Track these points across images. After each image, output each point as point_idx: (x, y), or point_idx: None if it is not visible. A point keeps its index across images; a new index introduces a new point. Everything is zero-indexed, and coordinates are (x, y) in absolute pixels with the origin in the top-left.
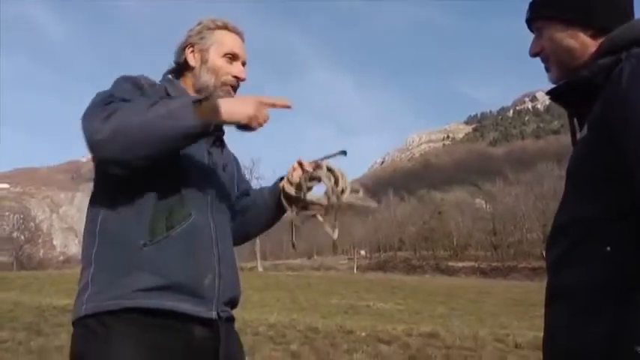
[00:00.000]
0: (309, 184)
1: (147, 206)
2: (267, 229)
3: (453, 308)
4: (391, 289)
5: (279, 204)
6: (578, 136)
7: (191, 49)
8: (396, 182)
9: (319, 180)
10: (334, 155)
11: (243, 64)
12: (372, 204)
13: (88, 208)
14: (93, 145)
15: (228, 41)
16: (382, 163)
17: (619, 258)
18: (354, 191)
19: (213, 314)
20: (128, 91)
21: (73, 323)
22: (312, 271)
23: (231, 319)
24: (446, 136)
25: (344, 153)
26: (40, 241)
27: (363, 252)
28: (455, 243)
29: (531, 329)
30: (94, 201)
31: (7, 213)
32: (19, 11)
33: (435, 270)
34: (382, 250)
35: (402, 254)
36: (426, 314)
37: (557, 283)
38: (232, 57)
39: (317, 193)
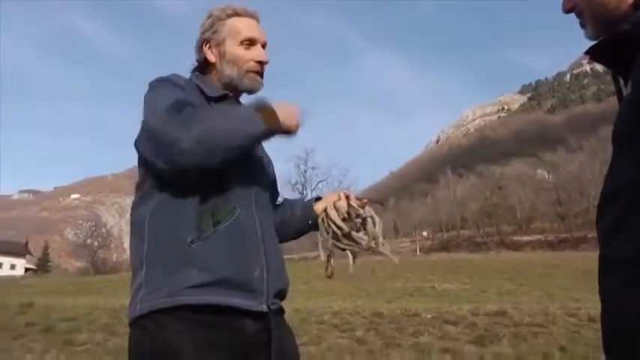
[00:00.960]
0: (355, 219)
1: (191, 203)
2: (292, 240)
3: (521, 284)
4: (455, 269)
5: (311, 225)
6: (624, 94)
7: (208, 45)
8: (453, 159)
9: (364, 220)
10: (374, 202)
11: (264, 45)
12: (395, 259)
13: (132, 211)
14: (175, 153)
15: (241, 27)
16: (437, 141)
17: None
18: (383, 243)
19: (264, 307)
20: (182, 94)
21: (130, 324)
22: (375, 255)
23: (281, 311)
24: (500, 107)
25: (382, 204)
26: (112, 245)
27: (425, 233)
28: (519, 217)
29: None
30: (139, 203)
31: (80, 221)
32: (76, 29)
33: (500, 246)
34: (444, 230)
35: (464, 232)
36: (492, 292)
37: (607, 255)
38: (250, 42)
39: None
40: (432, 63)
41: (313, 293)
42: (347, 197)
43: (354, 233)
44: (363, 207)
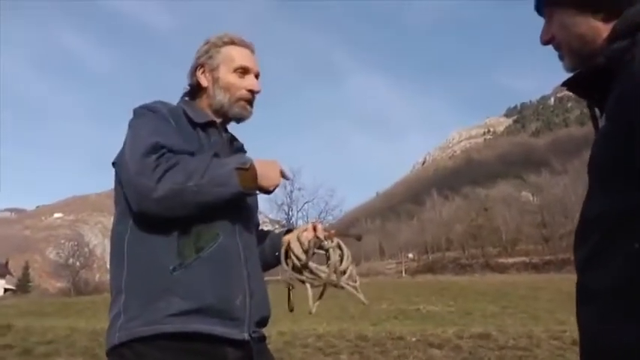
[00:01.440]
0: (318, 250)
1: (174, 230)
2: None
3: (505, 306)
4: (441, 291)
5: (277, 256)
6: (600, 125)
7: (202, 69)
8: (439, 181)
9: (327, 252)
10: (349, 236)
11: (257, 76)
12: (364, 300)
13: (112, 233)
14: (146, 201)
15: (236, 56)
16: (424, 163)
17: None
18: (352, 279)
19: (246, 336)
20: (163, 130)
21: (108, 353)
22: (361, 277)
23: (262, 339)
24: (486, 130)
25: (359, 238)
26: (94, 266)
27: (410, 255)
28: (504, 239)
29: None
30: (119, 226)
31: (62, 241)
32: (62, 46)
33: (485, 268)
34: (430, 252)
35: (450, 254)
36: (477, 314)
37: (585, 284)
38: (243, 71)
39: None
40: (420, 85)
41: (298, 315)
42: (314, 228)
43: (312, 265)
44: (330, 238)
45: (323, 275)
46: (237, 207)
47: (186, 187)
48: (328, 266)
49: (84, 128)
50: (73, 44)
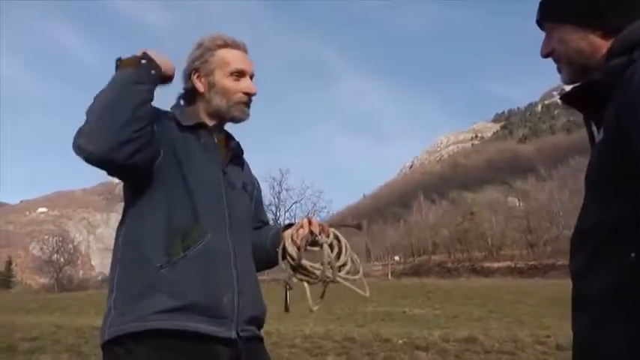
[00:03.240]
0: (312, 247)
1: (162, 228)
2: (266, 269)
3: (491, 310)
4: (427, 294)
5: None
6: (596, 138)
7: (197, 74)
8: (426, 185)
9: (321, 248)
10: (349, 226)
11: (251, 77)
12: (365, 293)
13: (116, 235)
14: (81, 156)
15: (231, 59)
16: (411, 166)
17: None
18: (354, 272)
19: (233, 334)
20: None
21: (102, 347)
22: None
23: (254, 338)
24: (474, 135)
25: (359, 227)
26: (79, 262)
27: (397, 257)
28: (490, 243)
29: None
30: (119, 227)
31: (46, 236)
32: (51, 38)
33: (471, 272)
34: (416, 255)
35: (436, 258)
36: (463, 318)
37: (580, 291)
38: (239, 74)
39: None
40: (409, 89)
41: (285, 316)
42: (309, 223)
43: (306, 263)
44: (325, 232)
45: (317, 272)
46: (228, 204)
47: (92, 122)
48: (322, 263)
49: (72, 124)
50: (62, 37)
